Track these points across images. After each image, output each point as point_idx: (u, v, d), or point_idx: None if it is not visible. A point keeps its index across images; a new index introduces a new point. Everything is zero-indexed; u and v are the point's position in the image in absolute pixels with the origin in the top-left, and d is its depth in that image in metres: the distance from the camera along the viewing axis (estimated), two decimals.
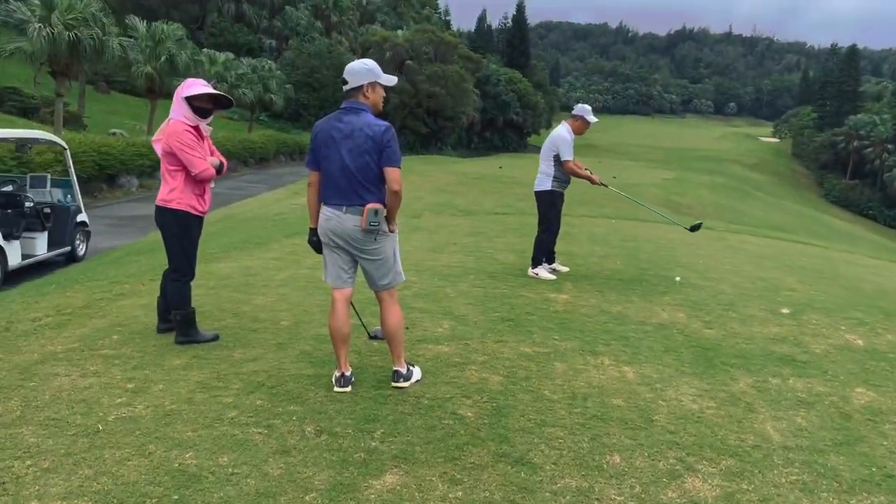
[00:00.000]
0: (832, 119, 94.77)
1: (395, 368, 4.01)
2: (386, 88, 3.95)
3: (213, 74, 35.50)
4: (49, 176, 11.24)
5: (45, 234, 10.11)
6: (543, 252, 7.25)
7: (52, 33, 21.18)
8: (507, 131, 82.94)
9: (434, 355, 4.56)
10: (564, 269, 7.59)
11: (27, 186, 10.52)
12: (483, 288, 6.58)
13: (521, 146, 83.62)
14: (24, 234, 9.60)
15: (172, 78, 29.92)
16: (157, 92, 29.29)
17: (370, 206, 3.74)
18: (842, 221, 58.46)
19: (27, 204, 9.71)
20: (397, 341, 4.00)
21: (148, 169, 21.48)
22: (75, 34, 21.73)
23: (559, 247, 7.74)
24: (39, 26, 21.12)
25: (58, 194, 10.97)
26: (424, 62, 62.46)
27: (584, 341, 5.07)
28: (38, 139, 10.61)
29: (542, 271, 7.22)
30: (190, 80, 4.64)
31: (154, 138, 4.64)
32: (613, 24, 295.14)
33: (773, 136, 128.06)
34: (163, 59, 28.75)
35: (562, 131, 7.17)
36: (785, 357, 5.09)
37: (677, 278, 7.42)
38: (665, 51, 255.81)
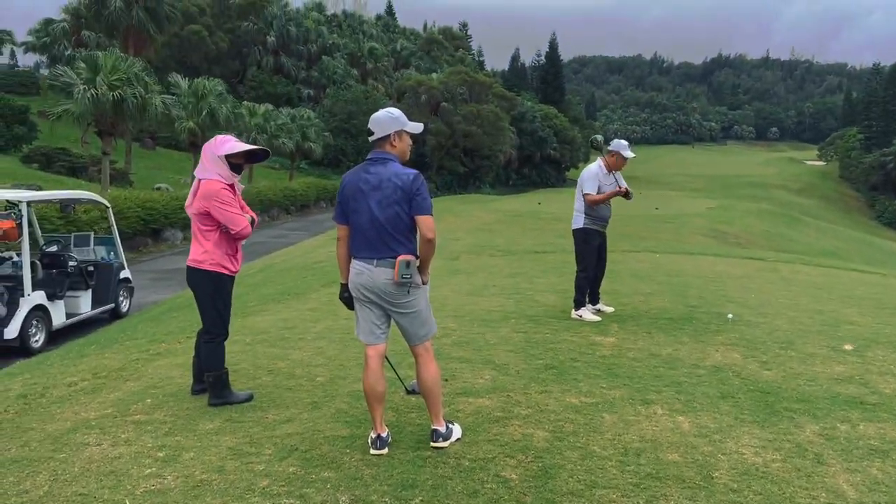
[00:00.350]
0: (880, 139, 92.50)
1: (433, 427, 3.81)
2: (420, 132, 3.86)
3: (253, 126, 36.35)
4: (92, 234, 11.46)
5: (89, 292, 10.24)
6: (583, 293, 6.99)
7: (97, 94, 21.95)
8: (545, 167, 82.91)
9: (474, 409, 4.35)
10: (609, 309, 7.32)
11: (71, 245, 10.71)
12: (525, 333, 6.35)
13: (560, 181, 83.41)
14: (68, 294, 9.74)
15: (214, 131, 30.72)
16: (200, 146, 30.05)
17: (402, 257, 3.60)
18: None
19: (71, 263, 9.86)
20: (435, 398, 3.81)
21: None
22: (119, 94, 22.50)
23: (604, 285, 7.48)
24: (84, 88, 21.91)
25: (101, 252, 11.15)
26: (460, 103, 63.10)
27: (633, 389, 4.80)
28: (80, 199, 10.85)
29: (586, 313, 6.97)
30: (221, 138, 4.59)
31: (187, 203, 4.55)
32: (648, 56, 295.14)
33: (819, 160, 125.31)
34: (204, 113, 29.53)
35: (591, 166, 6.99)
36: (852, 399, 4.74)
37: (729, 315, 7.08)
38: (702, 79, 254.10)
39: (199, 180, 4.47)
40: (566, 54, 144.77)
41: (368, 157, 3.79)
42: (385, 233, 3.63)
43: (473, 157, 65.40)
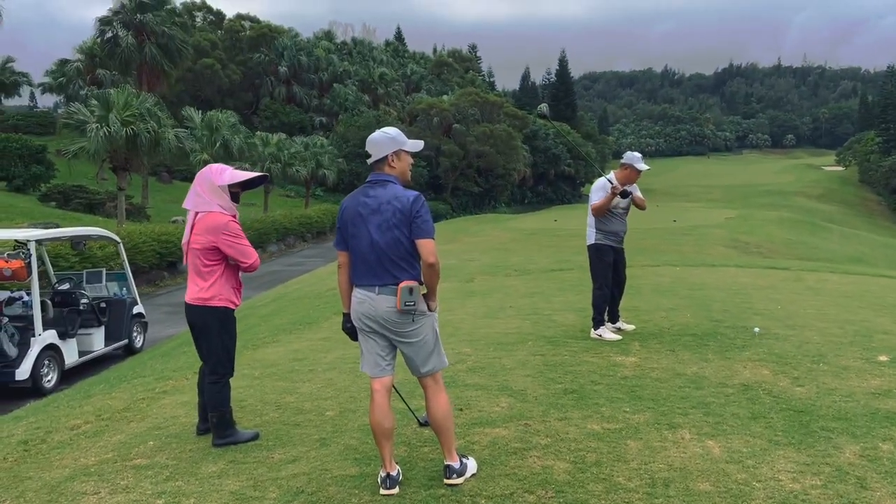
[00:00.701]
0: None
1: (446, 463, 3.59)
2: (420, 150, 3.69)
3: (267, 155, 36.53)
4: (104, 270, 11.41)
5: (102, 329, 10.15)
6: (601, 311, 6.75)
7: (110, 131, 22.12)
8: (560, 183, 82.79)
9: (491, 441, 4.12)
10: (630, 327, 7.06)
11: (84, 282, 10.65)
12: (542, 356, 6.11)
13: (575, 197, 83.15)
14: (81, 331, 9.65)
15: (228, 162, 30.88)
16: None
17: (404, 284, 3.41)
18: None
19: (83, 300, 9.78)
20: (447, 432, 3.59)
21: None
22: (132, 130, 22.66)
23: (624, 302, 7.24)
24: (98, 126, 22.10)
25: (114, 287, 11.08)
26: (472, 124, 63.22)
27: (658, 412, 4.55)
28: (90, 235, 10.80)
29: (606, 332, 6.71)
30: (216, 167, 4.39)
31: (185, 240, 4.30)
32: (658, 69, 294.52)
33: (837, 165, 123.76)
34: (218, 145, 29.74)
35: (601, 178, 6.78)
36: (893, 415, 4.46)
37: (756, 329, 6.80)
38: (714, 89, 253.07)
39: (197, 213, 4.25)
40: (576, 71, 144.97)
41: (367, 179, 3.62)
42: (386, 258, 3.45)
43: (488, 176, 65.42)
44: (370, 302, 3.48)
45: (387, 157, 3.55)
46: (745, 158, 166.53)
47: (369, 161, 3.59)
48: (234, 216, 4.31)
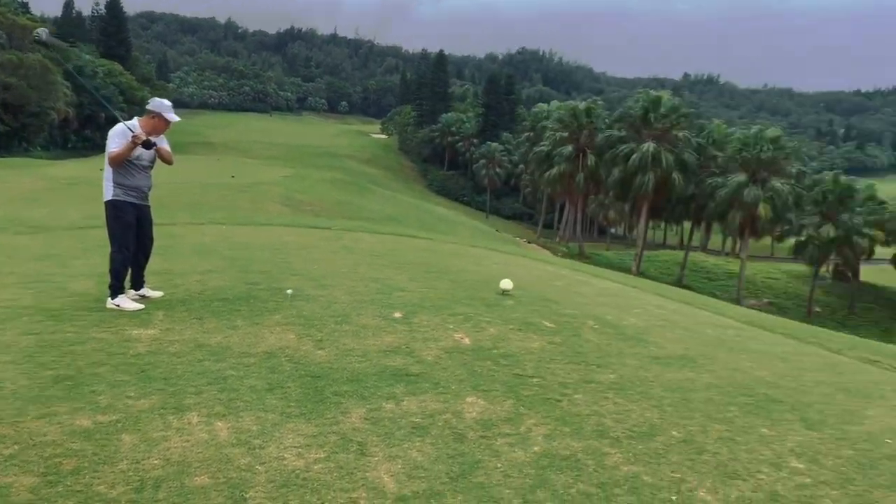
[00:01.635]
0: (429, 117, 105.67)
1: None
2: None
3: None
4: None
5: None
6: (121, 277, 5.92)
7: None
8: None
9: None
10: (157, 294, 6.34)
11: None
12: (37, 334, 5.02)
13: None
14: None
15: None
16: None
17: None
18: (444, 209, 65.36)
19: None
20: None
21: None
22: None
23: (155, 265, 6.50)
24: None
25: None
26: None
27: (168, 394, 4.04)
28: None
29: (125, 301, 5.90)
30: None
31: None
32: (222, 19, 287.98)
33: (382, 133, 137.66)
34: None
35: (119, 125, 5.91)
36: (398, 372, 4.72)
37: (288, 290, 6.70)
38: (276, 49, 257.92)
39: None
40: (131, 8, 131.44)
41: None
42: None
43: (17, 114, 55.94)
44: None
45: None
46: (305, 120, 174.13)
47: None
48: None
